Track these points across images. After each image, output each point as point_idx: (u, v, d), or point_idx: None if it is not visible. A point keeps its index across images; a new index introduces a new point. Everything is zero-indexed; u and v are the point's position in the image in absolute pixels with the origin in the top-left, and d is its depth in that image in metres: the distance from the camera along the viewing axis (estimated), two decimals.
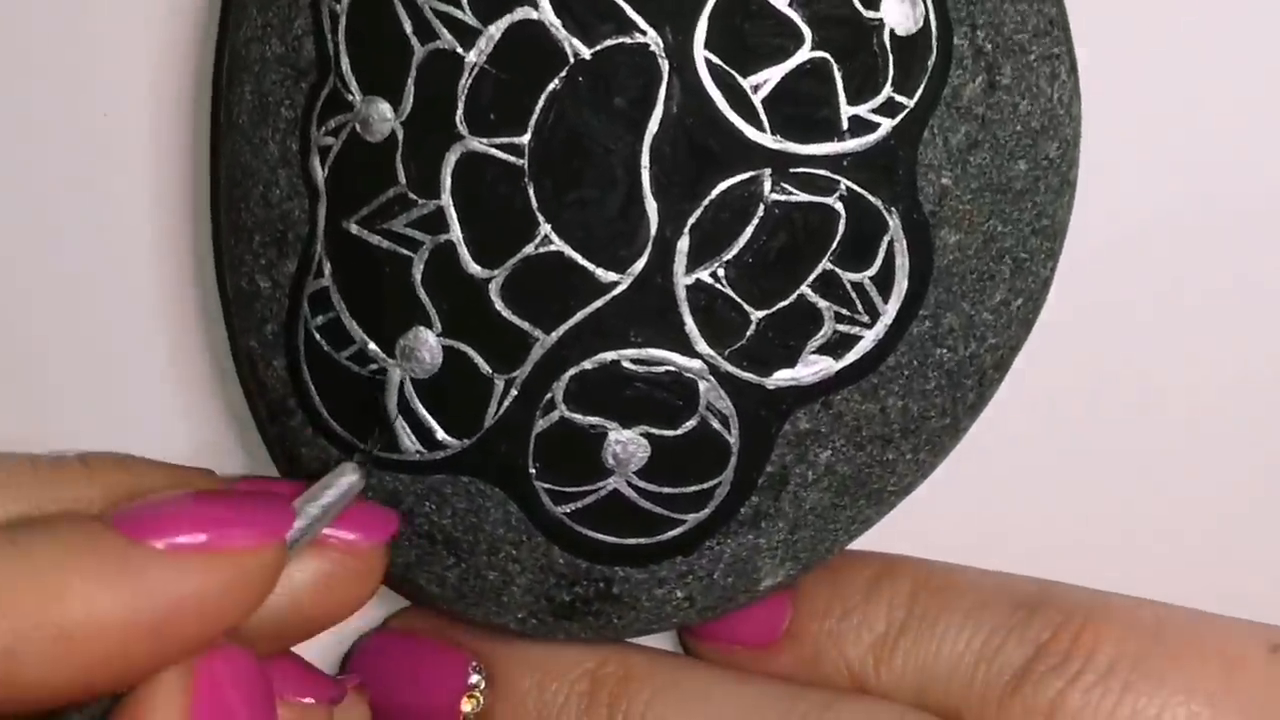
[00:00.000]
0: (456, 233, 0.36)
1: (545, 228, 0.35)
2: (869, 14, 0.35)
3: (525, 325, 0.36)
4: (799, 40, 0.35)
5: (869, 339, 0.36)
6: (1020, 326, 0.37)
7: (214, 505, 0.34)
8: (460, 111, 0.35)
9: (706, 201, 0.35)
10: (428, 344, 0.36)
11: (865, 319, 0.36)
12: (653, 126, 0.35)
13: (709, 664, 0.40)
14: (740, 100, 0.35)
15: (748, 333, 0.36)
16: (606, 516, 0.37)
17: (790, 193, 0.35)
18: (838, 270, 0.35)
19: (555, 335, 0.36)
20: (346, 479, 0.36)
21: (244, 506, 0.34)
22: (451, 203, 0.36)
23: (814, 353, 0.36)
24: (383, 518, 0.37)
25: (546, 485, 0.37)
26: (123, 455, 0.36)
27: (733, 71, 0.34)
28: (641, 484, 0.36)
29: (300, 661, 0.38)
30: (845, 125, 0.35)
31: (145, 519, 0.33)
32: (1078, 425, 0.41)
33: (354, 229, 0.36)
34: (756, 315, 0.35)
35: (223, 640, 0.34)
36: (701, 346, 0.36)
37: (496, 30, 0.35)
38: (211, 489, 0.35)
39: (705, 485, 0.37)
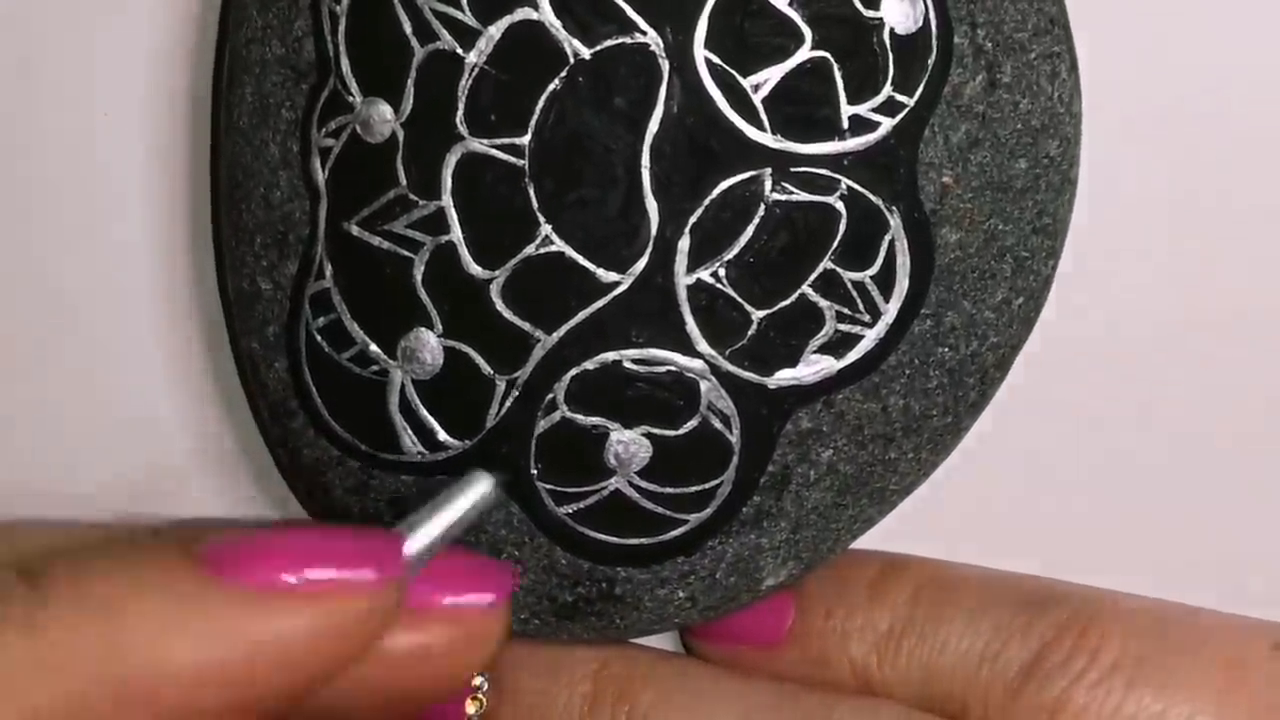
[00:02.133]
0: (457, 233, 0.36)
1: (546, 228, 0.35)
2: (869, 13, 0.35)
3: (526, 326, 0.36)
4: (799, 40, 0.35)
5: (870, 338, 0.36)
6: (1022, 325, 0.37)
7: (313, 541, 0.31)
8: (460, 112, 0.35)
9: (707, 201, 0.35)
10: (429, 345, 0.36)
11: (866, 318, 0.36)
12: (653, 126, 0.35)
13: (712, 664, 0.40)
14: (740, 100, 0.35)
15: (749, 332, 0.36)
16: (608, 517, 0.37)
17: (791, 192, 0.35)
18: (839, 269, 0.35)
19: (556, 336, 0.36)
20: (477, 490, 0.33)
21: (350, 543, 0.31)
22: (452, 203, 0.36)
23: (815, 352, 0.36)
24: (502, 573, 0.34)
25: (548, 486, 0.37)
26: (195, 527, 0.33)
27: (733, 71, 0.34)
28: (643, 484, 0.36)
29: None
30: (846, 124, 0.35)
31: (232, 555, 0.30)
32: (1080, 424, 0.41)
33: (355, 230, 0.36)
34: (757, 315, 0.35)
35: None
36: (703, 346, 0.36)
37: (496, 31, 0.35)
38: (314, 525, 0.31)
39: (707, 485, 0.37)
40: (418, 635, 0.32)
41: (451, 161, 0.35)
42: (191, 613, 0.29)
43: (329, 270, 0.37)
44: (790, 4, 0.34)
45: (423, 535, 0.32)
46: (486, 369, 0.36)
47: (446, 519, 0.33)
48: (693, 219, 0.35)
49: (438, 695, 0.33)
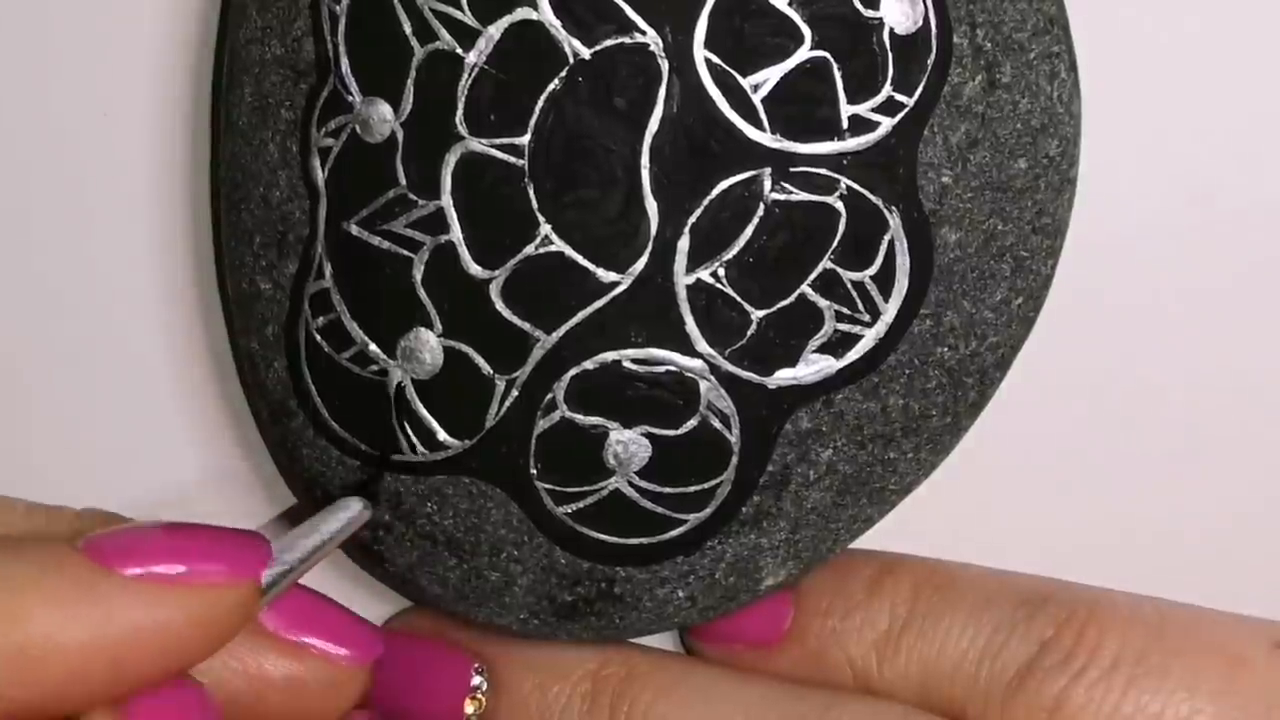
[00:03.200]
0: (457, 233, 0.36)
1: (545, 228, 0.35)
2: (868, 13, 0.35)
3: (526, 325, 0.36)
4: (799, 39, 0.35)
5: (870, 338, 0.36)
6: (1021, 325, 0.37)
7: (187, 537, 0.33)
8: (460, 112, 0.35)
9: (707, 201, 0.35)
10: (428, 345, 0.36)
11: (866, 318, 0.36)
12: (653, 126, 0.35)
13: (711, 664, 0.40)
14: (740, 100, 0.35)
15: (748, 332, 0.36)
16: (608, 516, 0.37)
17: (790, 192, 0.35)
18: (838, 269, 0.35)
19: (556, 335, 0.36)
20: (346, 514, 0.36)
21: (218, 541, 0.34)
22: (452, 203, 0.36)
23: (815, 352, 0.36)
24: (369, 638, 0.37)
25: (548, 485, 0.37)
26: (115, 514, 0.36)
27: (732, 71, 0.34)
28: (643, 484, 0.36)
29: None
30: (845, 124, 0.35)
31: (115, 546, 0.33)
32: (1079, 423, 0.41)
33: (354, 230, 0.36)
34: (757, 314, 0.35)
35: (183, 677, 0.34)
36: (702, 346, 0.36)
37: (496, 31, 0.35)
38: (187, 523, 0.34)
39: (707, 485, 0.37)
40: (291, 665, 0.36)
41: (451, 161, 0.35)
42: (81, 595, 0.32)
43: (329, 270, 0.37)
44: (790, 4, 0.34)
45: (290, 544, 0.35)
46: (486, 369, 0.36)
47: (316, 538, 0.35)
48: (692, 219, 0.35)
49: None
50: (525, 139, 0.35)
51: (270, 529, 0.38)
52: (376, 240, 0.36)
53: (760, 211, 0.35)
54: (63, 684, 0.32)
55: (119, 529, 0.33)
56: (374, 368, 0.37)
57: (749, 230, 0.35)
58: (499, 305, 0.36)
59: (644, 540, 0.37)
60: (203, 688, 0.34)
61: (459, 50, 0.35)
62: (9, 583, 0.32)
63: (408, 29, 0.35)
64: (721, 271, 0.35)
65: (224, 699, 0.35)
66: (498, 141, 0.35)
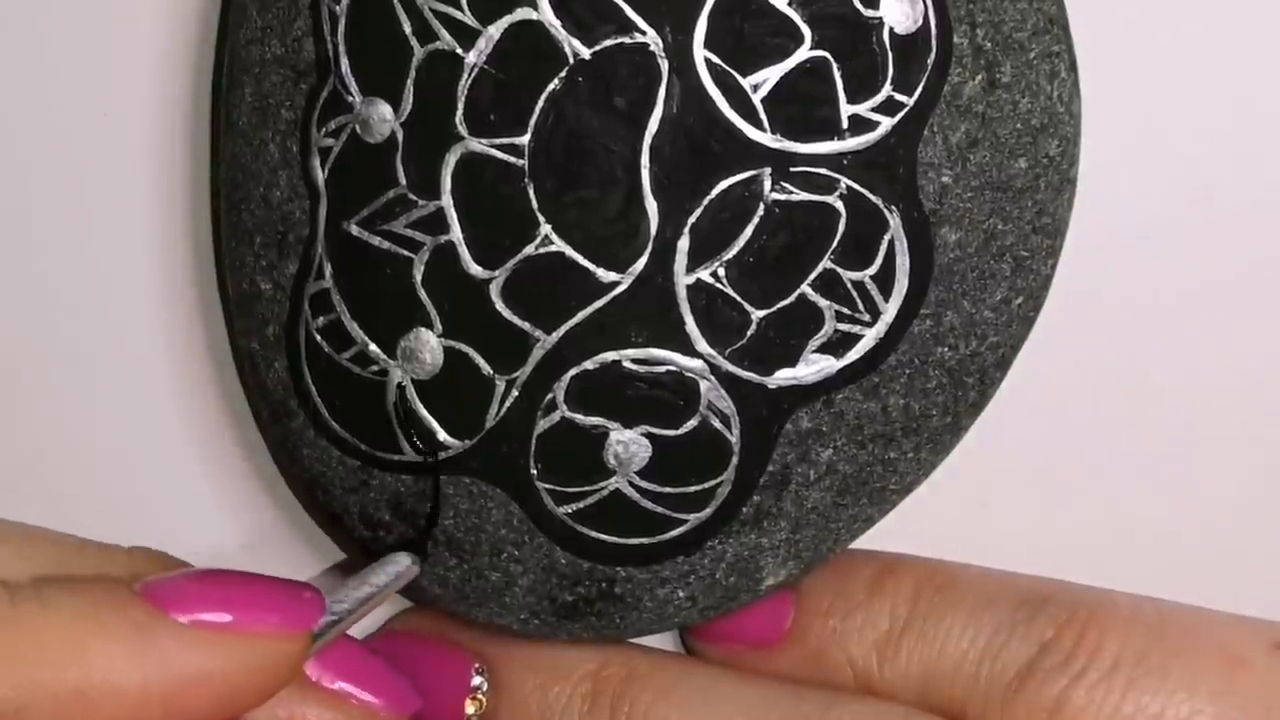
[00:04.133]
0: (457, 233, 0.36)
1: (545, 228, 0.35)
2: (868, 12, 0.35)
3: (526, 325, 0.36)
4: (798, 39, 0.35)
5: (870, 338, 0.36)
6: (1021, 324, 0.37)
7: (243, 587, 0.34)
8: (460, 112, 0.35)
9: (707, 201, 0.35)
10: (429, 345, 0.36)
11: (866, 318, 0.36)
12: (653, 126, 0.35)
13: (711, 664, 0.40)
14: (740, 99, 0.35)
15: (749, 332, 0.36)
16: (608, 516, 0.37)
17: (790, 192, 0.35)
18: (838, 269, 0.35)
19: (556, 335, 0.36)
20: (395, 568, 0.37)
21: (273, 592, 0.34)
22: (452, 203, 0.36)
23: (815, 352, 0.36)
24: (408, 694, 0.37)
25: (548, 486, 0.37)
26: (165, 554, 0.36)
27: (732, 71, 0.34)
28: (643, 484, 0.36)
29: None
30: (845, 124, 0.35)
31: (172, 591, 0.33)
32: (1079, 423, 0.41)
33: (354, 230, 0.36)
34: (757, 314, 0.35)
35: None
36: (702, 346, 0.36)
37: (496, 31, 0.35)
38: (244, 572, 0.35)
39: (707, 485, 0.37)
40: (333, 715, 0.36)
41: (451, 161, 0.35)
42: (139, 638, 0.32)
43: (329, 270, 0.37)
44: (790, 4, 0.34)
45: (342, 598, 0.35)
46: (486, 369, 0.36)
47: (366, 590, 0.36)
48: (692, 219, 0.35)
49: None
50: (525, 139, 0.35)
51: (319, 580, 0.39)
52: (377, 240, 0.36)
53: (760, 211, 0.35)
54: None
55: (178, 574, 0.34)
56: (374, 368, 0.37)
57: (749, 230, 0.35)
58: (499, 305, 0.36)
59: (644, 540, 0.37)
60: None
61: (459, 50, 0.35)
62: (71, 623, 0.32)
63: (408, 29, 0.35)
64: (721, 271, 0.35)
65: None
66: (498, 141, 0.35)
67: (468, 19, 0.35)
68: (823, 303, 0.35)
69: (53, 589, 0.32)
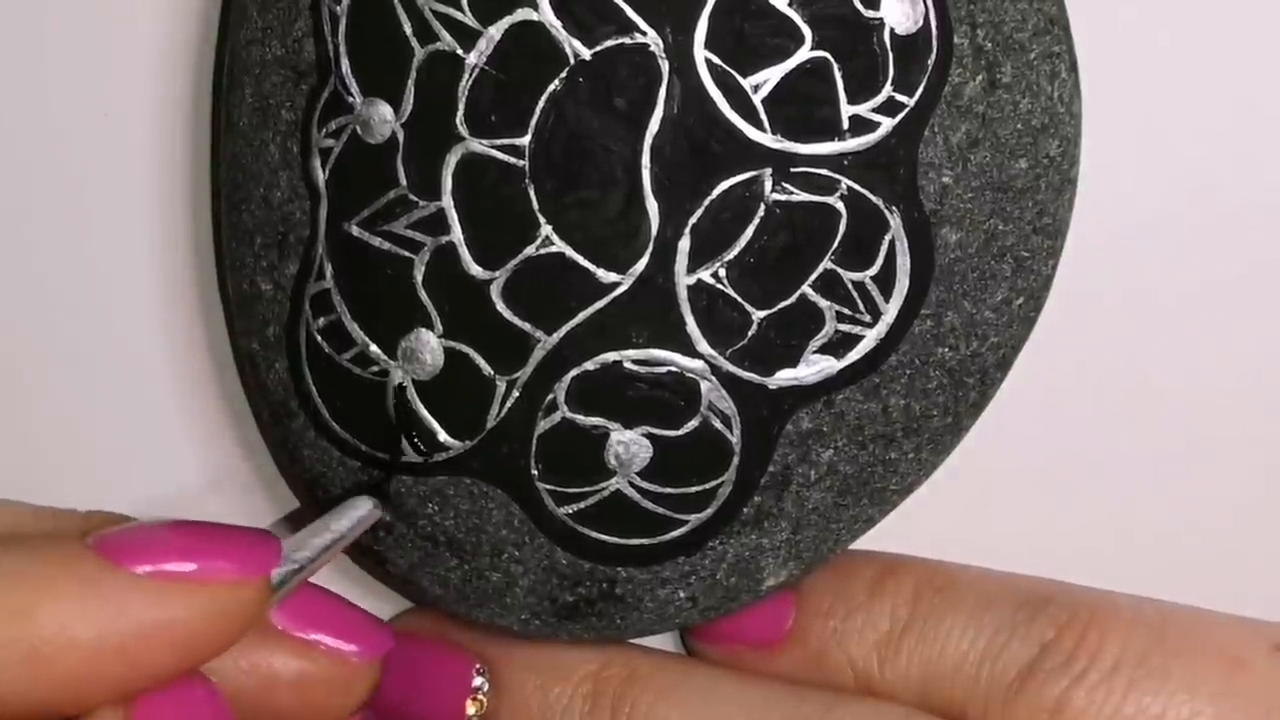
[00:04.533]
0: (457, 234, 0.36)
1: (546, 229, 0.35)
2: (869, 13, 0.35)
3: (526, 326, 0.36)
4: (799, 40, 0.35)
5: (871, 338, 0.36)
6: (1022, 325, 0.37)
7: (197, 536, 0.34)
8: (460, 113, 0.35)
9: (707, 201, 0.35)
10: (429, 345, 0.36)
11: (867, 318, 0.36)
12: (653, 127, 0.35)
13: (712, 665, 0.40)
14: (740, 100, 0.35)
15: (749, 333, 0.36)
16: (609, 517, 0.37)
17: (791, 192, 0.35)
18: (839, 270, 0.35)
19: (556, 336, 0.36)
20: (356, 513, 0.36)
21: (229, 540, 0.34)
22: (452, 204, 0.36)
23: (816, 352, 0.36)
24: (377, 634, 0.37)
25: (549, 486, 0.37)
26: (122, 515, 0.36)
27: (733, 71, 0.35)
28: (644, 484, 0.36)
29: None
30: (846, 124, 0.35)
31: (125, 543, 0.33)
32: (1080, 424, 0.41)
33: (355, 231, 0.36)
34: (758, 315, 0.35)
35: (195, 674, 0.34)
36: (703, 346, 0.36)
37: (496, 31, 0.35)
38: (198, 521, 0.35)
39: (708, 485, 0.37)
40: (301, 662, 0.36)
41: (451, 162, 0.35)
42: (92, 591, 0.32)
43: (329, 271, 0.37)
44: (790, 4, 0.34)
45: (301, 542, 0.35)
46: (487, 369, 0.36)
47: (328, 536, 0.36)
48: (693, 219, 0.35)
49: None
50: (526, 140, 0.35)
51: (276, 529, 0.38)
52: (377, 241, 0.36)
53: (761, 212, 0.35)
54: (74, 680, 0.32)
55: (129, 526, 0.34)
56: (375, 368, 0.37)
57: (750, 231, 0.35)
58: (500, 306, 0.36)
59: (645, 541, 0.37)
60: (212, 685, 0.34)
61: (459, 51, 0.35)
62: (21, 579, 0.32)
63: (408, 30, 0.35)
64: (722, 272, 0.35)
65: (233, 697, 0.35)
66: (498, 142, 0.35)
67: (468, 20, 0.35)
68: (823, 303, 0.35)
69: (2, 548, 0.32)
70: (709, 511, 0.37)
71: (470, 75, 0.35)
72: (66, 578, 0.32)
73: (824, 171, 0.35)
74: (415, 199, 0.36)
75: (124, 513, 0.37)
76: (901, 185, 0.35)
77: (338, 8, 0.36)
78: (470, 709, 0.39)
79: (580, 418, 0.36)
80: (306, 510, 0.40)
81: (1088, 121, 0.37)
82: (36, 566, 0.32)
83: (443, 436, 0.37)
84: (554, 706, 0.39)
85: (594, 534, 0.37)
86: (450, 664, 0.40)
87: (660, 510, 0.37)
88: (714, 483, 0.37)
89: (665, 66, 0.35)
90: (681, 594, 0.38)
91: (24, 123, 0.40)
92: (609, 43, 0.35)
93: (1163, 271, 0.40)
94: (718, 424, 0.36)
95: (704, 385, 0.36)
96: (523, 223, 0.35)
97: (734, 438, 0.36)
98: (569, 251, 0.35)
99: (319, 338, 0.37)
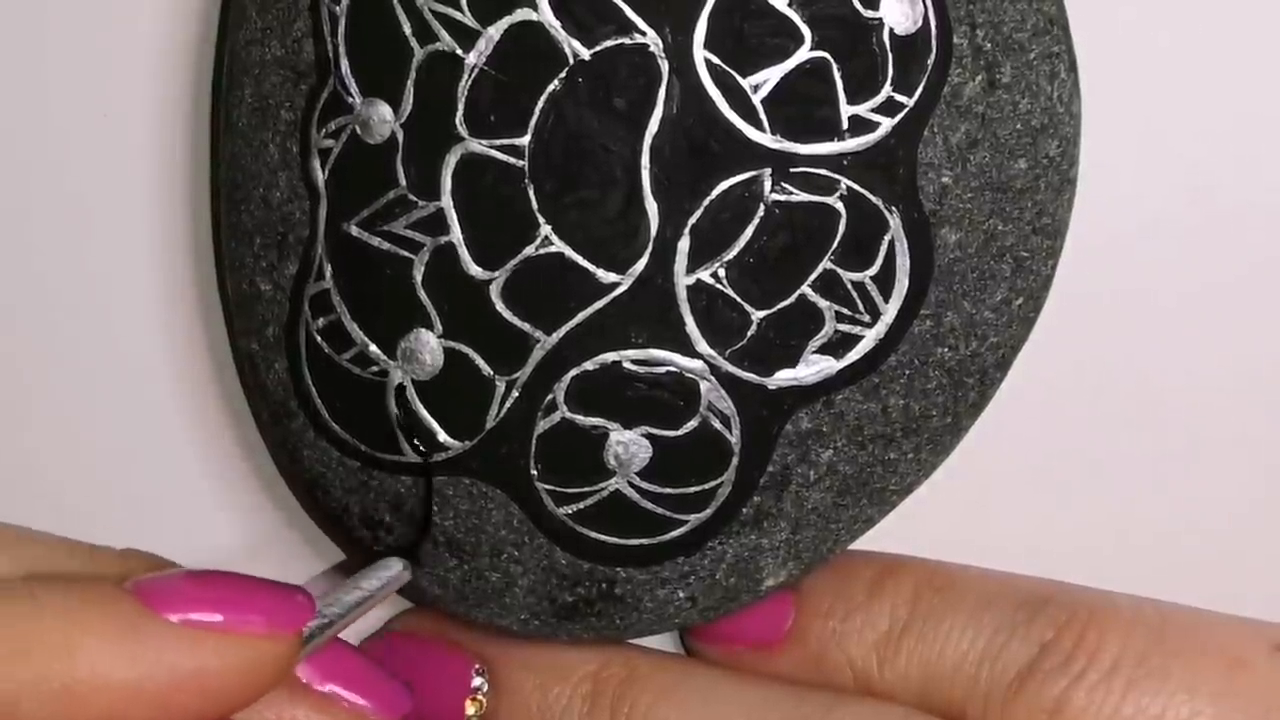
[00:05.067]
0: (457, 234, 0.36)
1: (545, 229, 0.35)
2: (868, 13, 0.35)
3: (526, 326, 0.36)
4: (798, 40, 0.35)
5: (870, 338, 0.36)
6: (1021, 325, 0.37)
7: (233, 587, 0.34)
8: (460, 113, 0.35)
9: (707, 202, 0.35)
10: (429, 346, 0.36)
11: (866, 318, 0.36)
12: (653, 127, 0.35)
13: (712, 666, 0.40)
14: (740, 100, 0.35)
15: (749, 333, 0.36)
16: (608, 517, 0.37)
17: (790, 192, 0.35)
18: (838, 270, 0.35)
19: (556, 336, 0.36)
20: (387, 573, 0.37)
21: (263, 593, 0.34)
22: (452, 204, 0.36)
23: (815, 352, 0.36)
24: (399, 696, 0.37)
25: (548, 486, 0.37)
26: (156, 556, 0.36)
27: (732, 71, 0.34)
28: (643, 484, 0.36)
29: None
30: (845, 125, 0.35)
31: (162, 590, 0.33)
32: (1079, 424, 0.41)
33: (354, 231, 0.36)
34: (757, 315, 0.35)
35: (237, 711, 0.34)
36: (702, 347, 0.36)
37: (496, 31, 0.35)
38: (235, 573, 0.35)
39: (707, 485, 0.37)
40: (324, 718, 0.36)
41: (451, 162, 0.35)
42: (129, 635, 0.32)
43: (329, 271, 0.37)
44: (790, 4, 0.34)
45: (333, 601, 0.35)
46: (486, 370, 0.36)
47: (357, 594, 0.36)
48: (692, 219, 0.35)
49: None
50: (525, 140, 0.35)
51: (312, 583, 0.39)
52: (376, 241, 0.36)
53: (760, 212, 0.35)
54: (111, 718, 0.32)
55: (168, 574, 0.34)
56: (374, 369, 0.37)
57: (749, 231, 0.35)
58: (499, 306, 0.36)
59: (644, 541, 0.37)
60: None
61: (459, 51, 0.35)
62: (62, 616, 0.32)
63: (408, 30, 0.35)
64: (722, 272, 0.35)
65: None
66: (498, 142, 0.35)
67: (468, 20, 0.35)
68: (823, 303, 0.35)
69: (44, 586, 0.33)
70: (708, 511, 0.37)
71: (470, 75, 0.35)
72: (105, 619, 0.32)
73: (823, 171, 0.35)
74: (415, 199, 0.36)
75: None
76: (901, 185, 0.35)
77: (337, 8, 0.36)
78: (470, 709, 0.39)
79: (580, 418, 0.36)
80: (343, 565, 0.40)
81: (1088, 121, 0.37)
82: (77, 605, 0.32)
83: (442, 437, 0.37)
84: (553, 707, 0.39)
85: (593, 534, 0.37)
86: (450, 664, 0.40)
87: (660, 510, 0.37)
88: (713, 483, 0.37)
89: (665, 66, 0.35)
90: (681, 594, 0.38)
91: (24, 123, 0.40)
92: (608, 43, 0.35)
93: (1162, 271, 0.40)
94: (717, 424, 0.36)
95: (703, 385, 0.36)
96: (522, 223, 0.35)
97: (733, 438, 0.36)
98: (568, 251, 0.35)
99: (318, 338, 0.37)
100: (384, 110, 0.36)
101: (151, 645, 0.32)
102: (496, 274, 0.36)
